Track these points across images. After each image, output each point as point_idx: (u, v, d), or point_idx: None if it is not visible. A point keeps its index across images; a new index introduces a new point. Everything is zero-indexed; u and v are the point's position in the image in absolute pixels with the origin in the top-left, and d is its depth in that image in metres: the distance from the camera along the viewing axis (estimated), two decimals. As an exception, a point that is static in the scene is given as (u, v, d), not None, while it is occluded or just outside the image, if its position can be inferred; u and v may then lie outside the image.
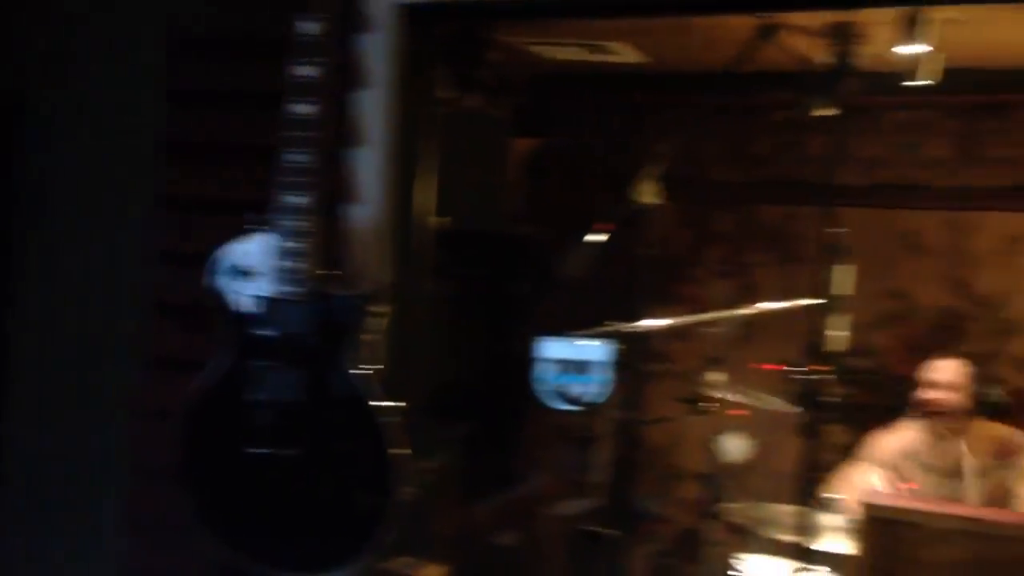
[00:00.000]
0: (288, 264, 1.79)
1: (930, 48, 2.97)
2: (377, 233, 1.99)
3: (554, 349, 2.57)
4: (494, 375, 3.70)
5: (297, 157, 1.76)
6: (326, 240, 1.84)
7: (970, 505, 3.16)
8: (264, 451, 1.83)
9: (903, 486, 3.35)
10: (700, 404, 3.25)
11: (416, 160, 2.16)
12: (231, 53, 2.10)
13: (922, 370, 3.30)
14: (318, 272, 1.82)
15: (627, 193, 2.67)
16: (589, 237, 2.60)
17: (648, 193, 2.69)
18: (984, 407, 3.19)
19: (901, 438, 3.38)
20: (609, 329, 2.65)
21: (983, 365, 3.61)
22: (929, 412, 3.25)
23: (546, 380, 2.54)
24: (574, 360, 2.55)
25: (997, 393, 3.18)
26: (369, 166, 1.98)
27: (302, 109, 1.75)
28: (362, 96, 1.97)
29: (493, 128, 3.62)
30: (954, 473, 3.25)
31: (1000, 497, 3.22)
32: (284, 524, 1.90)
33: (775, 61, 2.74)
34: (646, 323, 2.72)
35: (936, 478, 3.28)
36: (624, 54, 3.61)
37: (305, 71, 1.75)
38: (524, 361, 3.72)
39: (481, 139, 3.45)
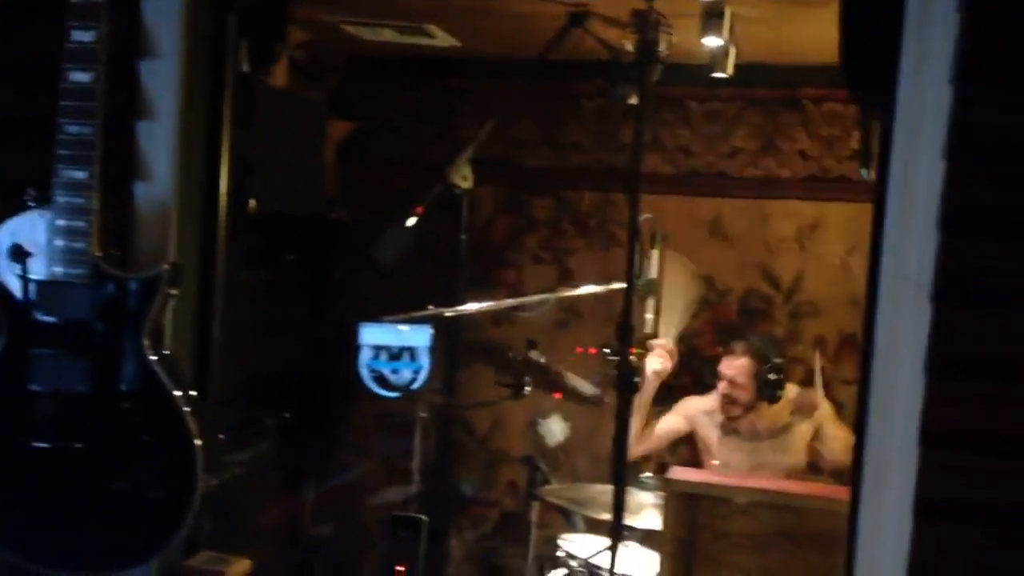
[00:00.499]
0: (69, 244, 1.67)
1: (730, 42, 3.11)
2: (168, 212, 1.88)
3: (373, 335, 2.52)
4: (313, 362, 3.62)
5: (76, 128, 1.64)
6: (112, 219, 1.73)
7: (771, 465, 3.38)
8: (46, 445, 1.70)
9: (711, 461, 3.53)
10: (518, 388, 3.29)
11: (218, 138, 2.06)
12: (4, 17, 1.94)
13: (719, 363, 3.51)
14: (103, 253, 1.70)
15: (442, 177, 2.66)
16: (404, 221, 2.56)
17: (462, 177, 2.69)
18: (772, 396, 3.40)
19: (708, 400, 3.59)
20: (428, 313, 2.63)
21: (785, 346, 3.84)
22: (722, 399, 3.47)
23: (365, 366, 2.50)
24: (393, 346, 2.51)
25: (781, 383, 3.40)
26: (159, 141, 1.87)
27: (80, 77, 1.64)
28: (150, 66, 1.86)
29: (309, 110, 3.53)
30: (752, 436, 3.47)
31: (806, 448, 3.47)
32: (74, 521, 1.78)
33: (588, 49, 2.79)
34: (465, 307, 2.71)
35: (735, 440, 3.49)
36: (437, 37, 3.60)
37: (82, 36, 1.63)
38: (343, 347, 3.65)
39: (297, 121, 3.36)
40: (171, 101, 1.87)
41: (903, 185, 1.71)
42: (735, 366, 3.44)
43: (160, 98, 1.87)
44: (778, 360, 3.45)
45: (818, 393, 3.45)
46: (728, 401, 3.45)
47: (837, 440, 3.42)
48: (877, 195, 1.77)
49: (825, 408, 3.48)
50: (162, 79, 1.87)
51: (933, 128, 1.67)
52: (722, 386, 3.46)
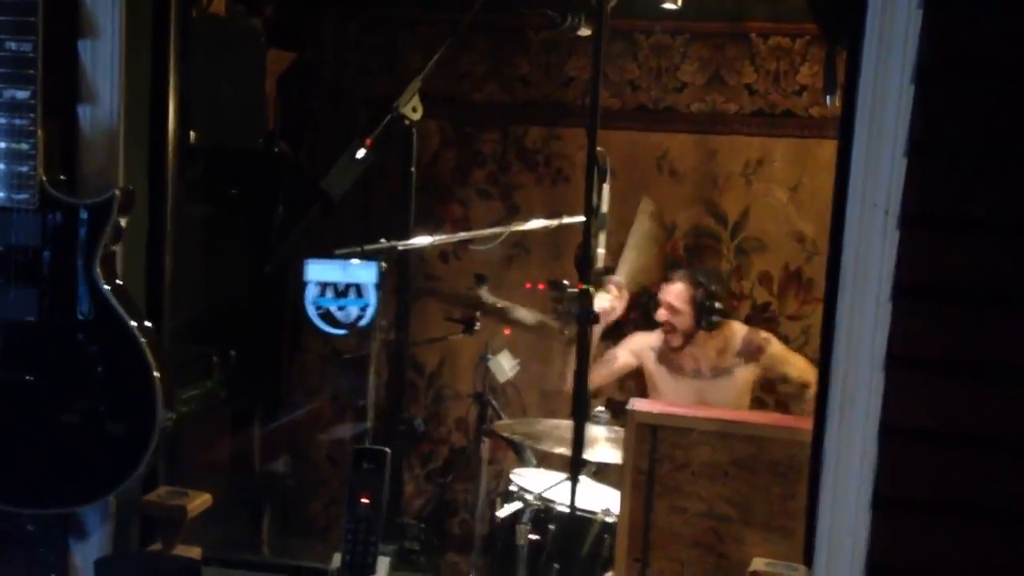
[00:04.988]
0: (12, 168, 1.58)
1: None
2: (115, 136, 1.78)
3: (319, 271, 2.45)
4: (259, 299, 3.53)
5: (15, 45, 1.54)
6: (56, 143, 1.63)
7: (715, 404, 3.44)
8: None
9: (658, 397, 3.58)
10: (469, 324, 3.27)
11: (164, 59, 1.95)
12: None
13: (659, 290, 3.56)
14: (48, 177, 1.61)
15: (391, 108, 2.58)
16: (350, 154, 2.49)
17: (412, 109, 2.61)
18: (709, 321, 3.46)
19: (655, 336, 3.63)
20: (380, 247, 2.58)
21: (728, 280, 3.88)
22: (662, 327, 3.53)
23: (311, 303, 2.44)
24: (340, 282, 2.46)
25: (719, 310, 3.46)
26: (102, 60, 1.76)
27: (19, -11, 1.53)
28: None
29: (249, 39, 3.39)
30: (696, 375, 3.52)
31: (752, 389, 3.54)
32: (31, 456, 1.71)
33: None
34: (414, 241, 2.65)
35: (680, 377, 3.54)
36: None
37: (21, -56, 1.52)
38: (290, 283, 3.57)
39: (236, 50, 3.23)
40: (114, 18, 1.76)
41: (871, 111, 1.70)
42: (671, 291, 3.50)
43: (102, 14, 1.75)
44: (714, 287, 3.50)
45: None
46: (668, 329, 3.51)
47: (796, 367, 3.52)
48: (844, 122, 1.76)
49: (776, 348, 3.53)
50: (104, -5, 1.75)
51: (902, 53, 1.66)
52: (660, 313, 3.52)
